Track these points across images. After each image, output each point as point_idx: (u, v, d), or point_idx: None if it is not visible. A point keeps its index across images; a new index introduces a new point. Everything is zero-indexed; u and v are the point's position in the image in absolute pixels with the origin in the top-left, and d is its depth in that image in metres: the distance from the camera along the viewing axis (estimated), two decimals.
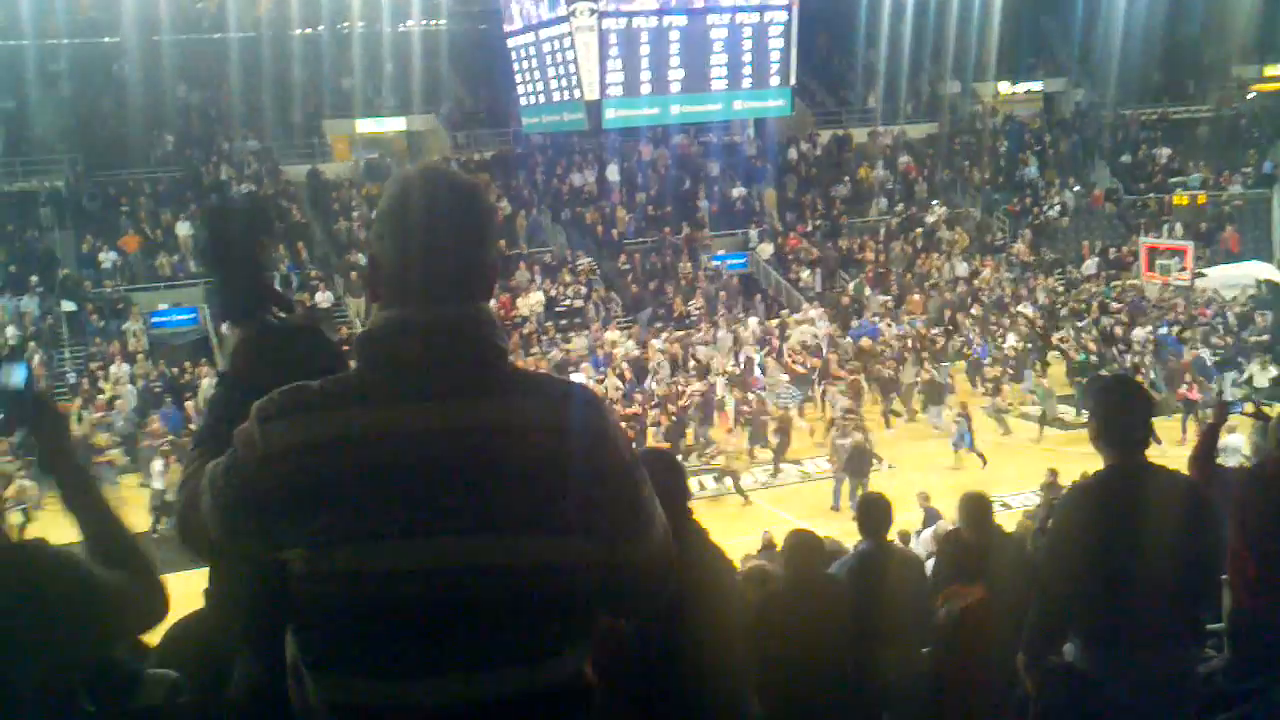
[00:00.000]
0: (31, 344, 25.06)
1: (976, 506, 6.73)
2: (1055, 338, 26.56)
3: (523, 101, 24.16)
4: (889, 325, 28.47)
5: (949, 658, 5.85)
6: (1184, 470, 6.21)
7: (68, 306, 27.36)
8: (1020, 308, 28.97)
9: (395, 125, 35.34)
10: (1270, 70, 40.03)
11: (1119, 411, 4.14)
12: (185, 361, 25.61)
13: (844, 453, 19.63)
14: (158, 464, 19.48)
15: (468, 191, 1.94)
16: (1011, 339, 26.94)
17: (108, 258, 28.64)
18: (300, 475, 1.78)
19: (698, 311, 29.26)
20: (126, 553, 2.23)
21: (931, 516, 15.46)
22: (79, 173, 31.02)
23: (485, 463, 1.79)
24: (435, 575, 1.76)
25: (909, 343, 26.08)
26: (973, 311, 29.65)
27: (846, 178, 36.16)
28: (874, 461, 19.89)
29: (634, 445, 1.98)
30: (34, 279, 27.38)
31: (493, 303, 2.01)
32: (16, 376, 2.30)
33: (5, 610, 1.84)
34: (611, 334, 27.25)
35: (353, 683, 1.80)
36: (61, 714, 1.98)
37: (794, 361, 25.28)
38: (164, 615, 2.18)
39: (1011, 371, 25.36)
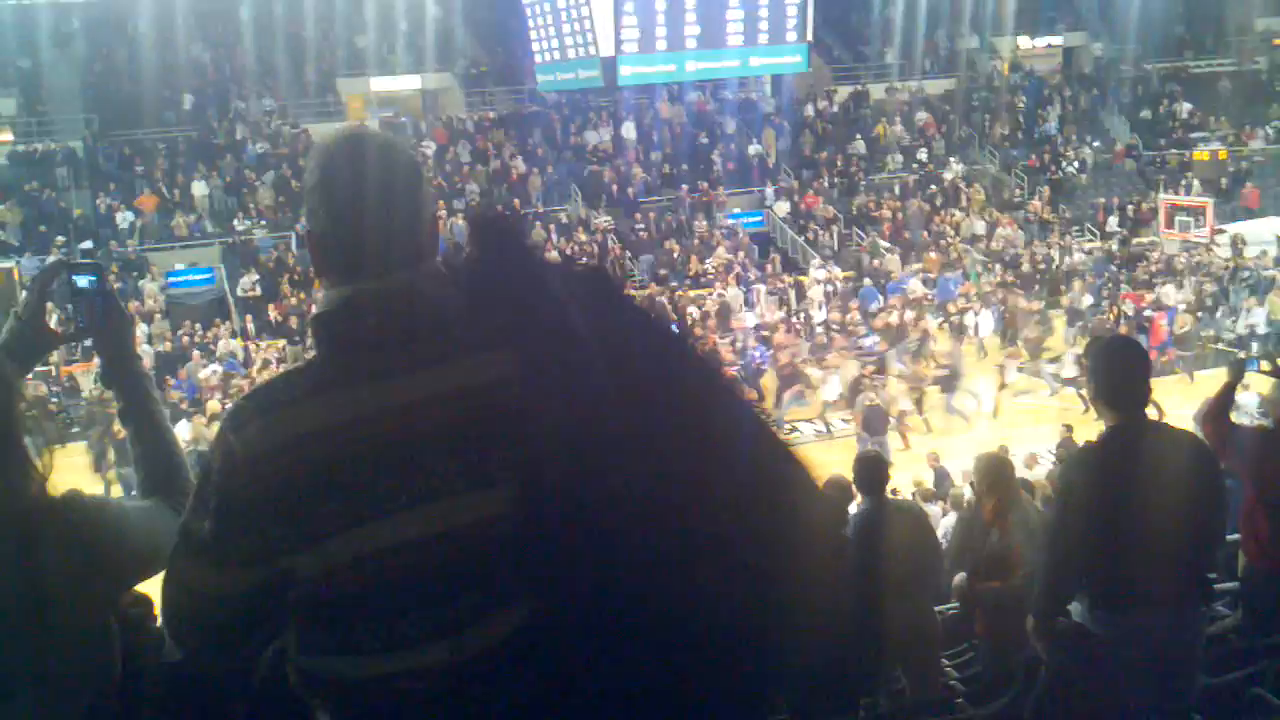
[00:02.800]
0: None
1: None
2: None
3: (537, 59, 23.88)
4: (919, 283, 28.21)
5: None
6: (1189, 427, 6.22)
7: (84, 245, 27.44)
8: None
9: (410, 84, 35.18)
10: None
11: (1118, 371, 4.15)
12: (197, 323, 25.72)
13: (860, 412, 19.66)
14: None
15: (393, 151, 1.88)
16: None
17: (124, 218, 28.70)
18: (285, 476, 1.74)
19: (714, 270, 29.17)
20: (173, 472, 2.24)
21: (940, 476, 15.46)
22: (95, 132, 31.00)
23: (463, 424, 1.76)
24: (436, 540, 1.75)
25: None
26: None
27: (858, 135, 35.85)
28: (889, 420, 19.84)
29: None
30: (60, 239, 27.43)
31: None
32: (85, 279, 2.29)
33: (47, 563, 1.88)
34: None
35: (359, 660, 1.79)
36: (98, 663, 2.02)
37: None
38: None
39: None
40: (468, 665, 1.79)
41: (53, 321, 2.31)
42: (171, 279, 27.58)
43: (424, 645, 1.78)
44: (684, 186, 32.62)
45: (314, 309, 1.91)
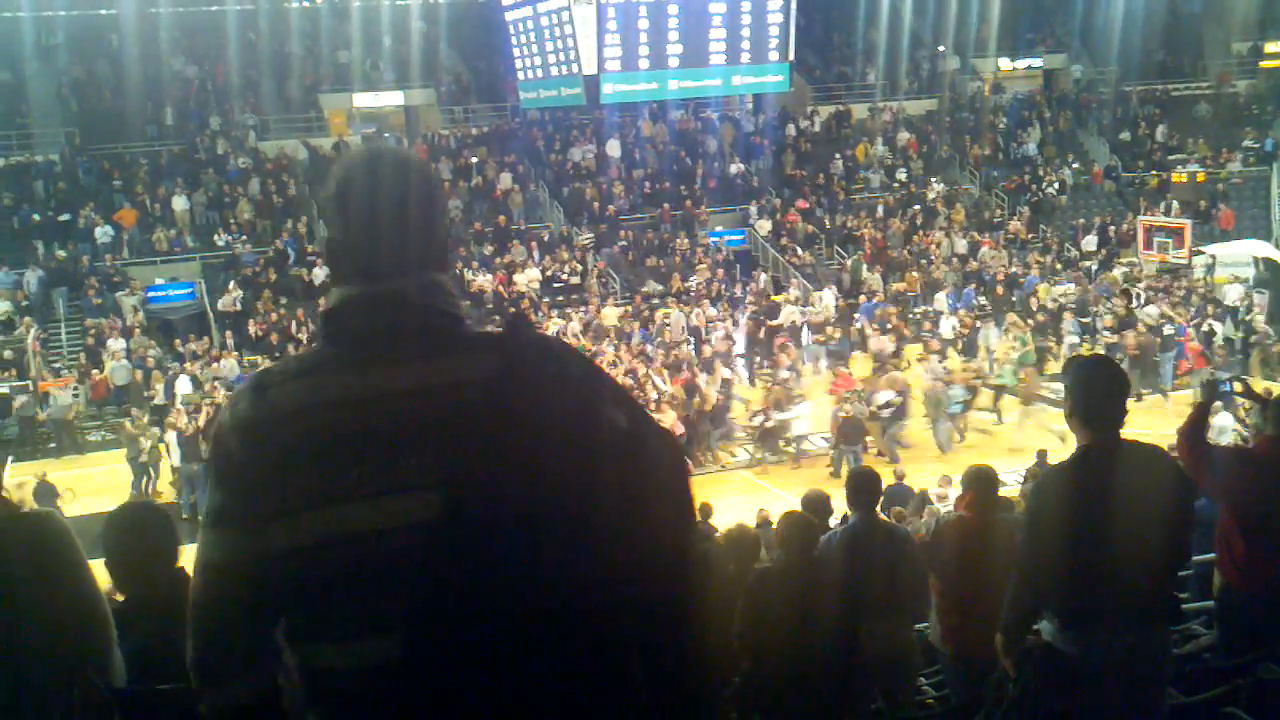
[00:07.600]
0: (27, 319, 25.06)
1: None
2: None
3: (520, 76, 23.97)
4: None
5: None
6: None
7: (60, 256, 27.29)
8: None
9: (392, 100, 35.19)
10: (1271, 47, 39.86)
11: (1094, 389, 4.16)
12: (176, 339, 25.61)
13: (836, 423, 19.67)
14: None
15: (409, 168, 2.01)
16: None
17: (103, 232, 28.57)
18: (265, 445, 1.85)
19: (696, 289, 29.16)
20: None
21: (903, 493, 15.36)
22: (75, 146, 30.87)
23: (433, 420, 1.83)
24: (399, 531, 1.79)
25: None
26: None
27: (838, 154, 36.00)
28: (866, 434, 19.82)
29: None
30: (40, 251, 27.42)
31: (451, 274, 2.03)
32: None
33: (19, 572, 1.88)
34: (609, 309, 27.17)
35: (338, 647, 1.83)
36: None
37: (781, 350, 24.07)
38: None
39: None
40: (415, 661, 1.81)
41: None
42: (151, 294, 27.48)
43: (379, 635, 1.80)
44: (665, 204, 32.68)
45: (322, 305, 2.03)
